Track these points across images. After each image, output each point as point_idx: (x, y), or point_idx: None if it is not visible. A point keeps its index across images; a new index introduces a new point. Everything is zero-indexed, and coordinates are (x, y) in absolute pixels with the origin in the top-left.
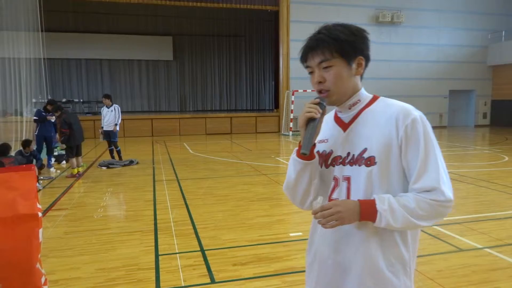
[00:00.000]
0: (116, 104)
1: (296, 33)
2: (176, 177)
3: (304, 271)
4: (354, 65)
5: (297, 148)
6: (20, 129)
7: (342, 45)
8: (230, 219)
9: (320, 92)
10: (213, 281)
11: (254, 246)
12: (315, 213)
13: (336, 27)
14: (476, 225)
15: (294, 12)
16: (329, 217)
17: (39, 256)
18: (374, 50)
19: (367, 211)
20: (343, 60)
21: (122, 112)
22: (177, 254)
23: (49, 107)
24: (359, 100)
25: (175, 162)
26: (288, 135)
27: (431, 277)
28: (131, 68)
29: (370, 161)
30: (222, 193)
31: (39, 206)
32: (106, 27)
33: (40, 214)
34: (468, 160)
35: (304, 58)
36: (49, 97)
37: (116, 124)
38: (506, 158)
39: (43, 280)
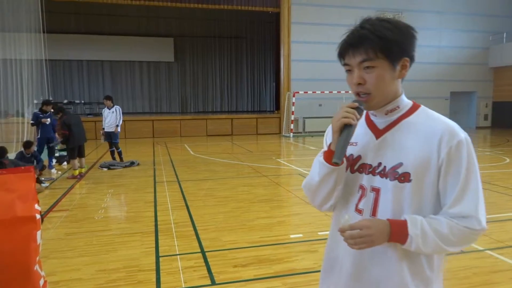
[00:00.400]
0: (117, 105)
1: (297, 35)
2: (177, 178)
3: (305, 273)
4: (398, 67)
5: (324, 149)
6: (22, 130)
7: (388, 44)
8: (231, 221)
9: (357, 94)
10: (213, 282)
11: (255, 248)
12: (342, 231)
13: (382, 23)
14: None
15: (295, 14)
16: (358, 239)
17: (37, 258)
18: None
19: (397, 234)
20: (387, 61)
21: (123, 113)
22: (178, 256)
23: (45, 108)
24: (398, 107)
25: (176, 163)
26: (289, 136)
27: None
28: (132, 70)
29: (404, 177)
30: (223, 194)
31: (38, 208)
32: (108, 29)
33: (38, 216)
34: None
35: (342, 54)
36: (50, 98)
37: (117, 126)
38: (508, 160)
39: (41, 282)
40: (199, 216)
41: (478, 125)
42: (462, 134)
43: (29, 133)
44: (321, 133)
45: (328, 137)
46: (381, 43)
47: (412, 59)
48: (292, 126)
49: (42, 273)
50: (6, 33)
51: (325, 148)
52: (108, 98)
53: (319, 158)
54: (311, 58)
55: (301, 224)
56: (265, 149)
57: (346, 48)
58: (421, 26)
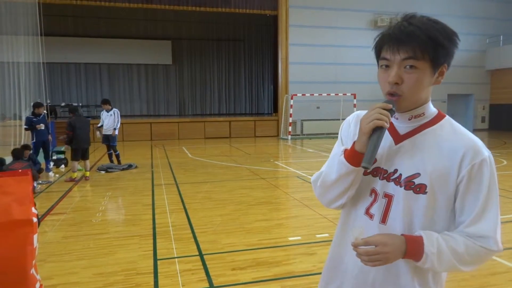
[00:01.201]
0: (115, 108)
1: (295, 37)
2: (175, 181)
3: (303, 276)
4: (437, 73)
5: (345, 148)
6: (19, 133)
7: (436, 47)
8: (229, 223)
9: (390, 94)
10: (211, 285)
11: (253, 251)
12: (356, 245)
13: (431, 23)
14: None
15: (293, 17)
16: (374, 256)
17: (33, 262)
18: (372, 54)
19: (413, 251)
20: (430, 65)
21: (121, 116)
22: (176, 259)
23: (36, 111)
24: (423, 114)
25: (173, 166)
26: (287, 139)
27: None
28: (130, 72)
29: (420, 188)
30: (221, 197)
31: (34, 211)
32: (105, 32)
33: (35, 219)
34: None
35: (382, 47)
36: (48, 101)
37: (115, 129)
38: (505, 162)
39: (37, 286)
40: (197, 218)
41: (475, 127)
42: (486, 153)
43: (26, 136)
44: (319, 135)
45: (344, 134)
46: (430, 44)
47: (449, 67)
48: (290, 128)
49: (38, 277)
50: (3, 36)
51: (343, 146)
52: (106, 102)
53: (340, 157)
54: (309, 60)
55: (300, 226)
56: (263, 151)
57: (391, 43)
58: None
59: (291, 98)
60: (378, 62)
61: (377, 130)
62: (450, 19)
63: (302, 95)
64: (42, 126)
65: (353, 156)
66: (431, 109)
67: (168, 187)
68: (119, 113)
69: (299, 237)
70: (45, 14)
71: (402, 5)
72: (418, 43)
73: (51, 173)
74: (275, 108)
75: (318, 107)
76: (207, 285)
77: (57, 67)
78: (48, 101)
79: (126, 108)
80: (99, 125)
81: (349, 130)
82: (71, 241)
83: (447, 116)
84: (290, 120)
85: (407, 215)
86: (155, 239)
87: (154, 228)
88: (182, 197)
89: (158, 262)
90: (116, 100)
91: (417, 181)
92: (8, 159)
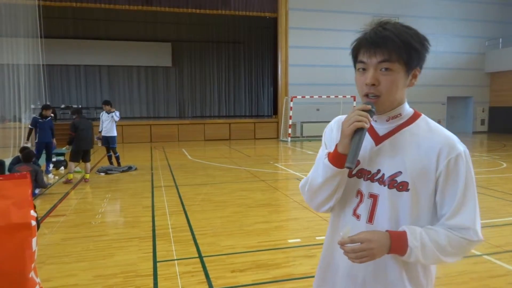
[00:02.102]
0: (116, 110)
1: (294, 40)
2: (175, 183)
3: (302, 278)
4: (410, 76)
5: (328, 151)
6: (19, 135)
7: (410, 51)
8: (229, 226)
9: (366, 95)
10: (211, 287)
11: (253, 253)
12: (342, 244)
13: (404, 29)
14: None
15: (293, 19)
16: (360, 253)
17: (32, 265)
18: None
19: (398, 246)
20: (404, 67)
21: (120, 117)
22: (175, 261)
23: (44, 113)
24: (400, 114)
25: (173, 168)
26: (287, 141)
27: None
28: (130, 74)
29: (402, 186)
30: (221, 199)
31: (34, 214)
32: (105, 34)
33: (34, 222)
34: None
35: (359, 51)
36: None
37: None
38: (504, 165)
39: None
40: (196, 221)
41: (475, 130)
42: (461, 148)
43: (25, 138)
44: (319, 137)
45: (327, 138)
46: (404, 48)
47: (421, 70)
48: (289, 130)
49: (38, 280)
50: (3, 38)
51: (327, 150)
52: (107, 103)
53: (324, 160)
54: (309, 63)
55: (299, 229)
56: (263, 153)
57: (367, 47)
58: None
59: (291, 100)
60: (355, 66)
61: (358, 131)
62: (450, 21)
63: (302, 97)
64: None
65: (337, 159)
66: (407, 110)
67: (168, 189)
68: (119, 114)
69: (298, 239)
70: (45, 16)
71: (401, 7)
72: (393, 47)
73: (50, 175)
74: (275, 110)
75: (317, 109)
76: (206, 287)
77: (57, 69)
78: (48, 103)
79: (126, 110)
80: (99, 129)
81: (332, 134)
82: (70, 243)
83: (422, 115)
84: (290, 122)
85: (392, 213)
86: (154, 241)
87: (153, 230)
88: (182, 199)
89: (158, 264)
90: (116, 102)
91: (399, 179)
92: (8, 160)
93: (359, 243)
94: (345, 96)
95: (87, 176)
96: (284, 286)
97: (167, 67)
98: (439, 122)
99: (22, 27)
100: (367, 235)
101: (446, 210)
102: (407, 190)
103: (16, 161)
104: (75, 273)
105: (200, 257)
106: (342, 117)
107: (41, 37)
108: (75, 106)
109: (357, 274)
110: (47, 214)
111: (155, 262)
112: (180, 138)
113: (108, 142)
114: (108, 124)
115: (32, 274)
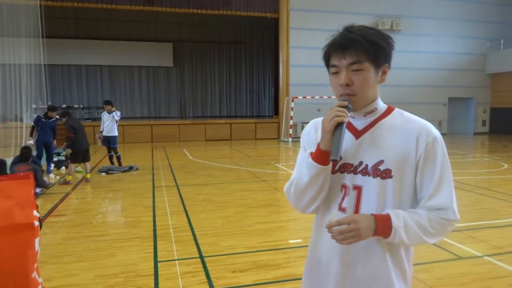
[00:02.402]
0: (117, 110)
1: (296, 40)
2: (176, 183)
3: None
4: (380, 72)
5: (311, 151)
6: (20, 134)
7: (376, 49)
8: (230, 226)
9: (342, 96)
10: None
11: (253, 253)
12: (330, 227)
13: (368, 30)
14: (475, 233)
15: (294, 19)
16: (347, 233)
17: (35, 265)
18: None
19: (382, 227)
20: (373, 65)
21: (122, 117)
22: (176, 261)
23: (50, 114)
24: (375, 109)
25: (174, 168)
26: (288, 141)
27: (431, 285)
28: (131, 74)
29: (386, 174)
30: (222, 199)
31: (36, 214)
32: (107, 34)
33: (36, 223)
34: (467, 168)
35: (330, 56)
36: (49, 103)
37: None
38: (506, 166)
39: None
40: (197, 221)
41: (476, 131)
42: (436, 132)
43: (27, 137)
44: None
45: (305, 141)
46: (370, 47)
47: (390, 66)
48: (290, 131)
49: (40, 280)
50: (5, 38)
51: (309, 150)
52: (108, 102)
53: (308, 160)
54: (310, 63)
55: (300, 229)
56: (264, 154)
57: (336, 50)
58: (419, 32)
59: (292, 101)
60: (328, 70)
61: (338, 126)
62: (451, 22)
63: (303, 97)
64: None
65: (320, 156)
66: (381, 104)
67: (169, 189)
68: (120, 113)
69: (299, 240)
70: (47, 16)
71: (403, 8)
72: (360, 47)
73: (51, 175)
74: (276, 111)
75: (319, 110)
76: (207, 287)
77: (58, 69)
78: (49, 103)
79: (127, 110)
80: (100, 129)
81: (310, 136)
82: (71, 243)
83: (396, 108)
84: (291, 122)
85: (378, 201)
86: (155, 241)
87: (154, 230)
88: (183, 199)
89: (159, 264)
90: (117, 102)
91: (382, 167)
92: (9, 160)
93: (347, 225)
94: None
95: (88, 176)
96: (285, 286)
97: (168, 67)
98: (439, 123)
99: (23, 27)
100: (354, 217)
101: (425, 192)
102: (391, 177)
103: (17, 161)
104: (76, 273)
105: (201, 257)
106: (317, 120)
107: (42, 37)
108: (76, 106)
109: (343, 260)
110: (48, 214)
111: (156, 262)
112: (181, 138)
113: (109, 142)
114: (109, 124)
115: (34, 274)
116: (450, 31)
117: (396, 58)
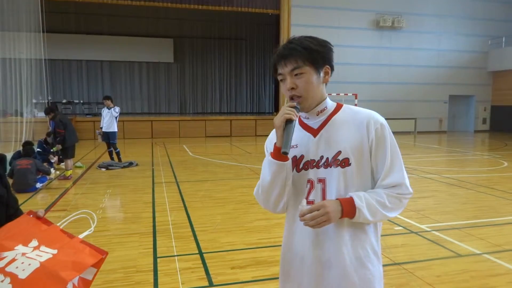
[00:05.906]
0: (117, 106)
1: None
2: (175, 179)
3: None
4: (322, 73)
5: (270, 151)
6: (20, 129)
7: (312, 54)
8: (229, 222)
9: (291, 98)
10: (211, 284)
11: (253, 250)
12: (302, 215)
13: (305, 38)
14: (475, 230)
15: (295, 16)
16: (319, 218)
17: None
18: (374, 55)
19: (348, 209)
20: (313, 68)
21: (122, 113)
22: (176, 257)
23: (48, 140)
24: (326, 108)
25: (174, 164)
26: None
27: (430, 282)
28: (131, 70)
29: (345, 163)
30: (221, 196)
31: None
32: (107, 29)
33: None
34: (467, 166)
35: (276, 66)
36: (49, 98)
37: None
38: (506, 164)
39: None
40: (197, 217)
41: (477, 128)
42: (382, 119)
43: (27, 132)
44: None
45: (269, 147)
46: (307, 53)
47: (332, 67)
48: None
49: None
50: (5, 32)
51: (270, 151)
52: (108, 98)
53: (268, 158)
54: None
55: None
56: (264, 150)
57: (279, 60)
58: (420, 30)
59: None
60: (277, 78)
61: (288, 123)
62: (453, 20)
63: None
64: (53, 159)
65: (278, 153)
66: (330, 103)
67: (169, 185)
68: (119, 109)
69: None
70: (47, 11)
71: (405, 5)
72: (297, 54)
73: (52, 170)
74: (276, 107)
75: None
76: (206, 283)
77: (58, 64)
78: (50, 98)
79: (127, 106)
80: (100, 125)
81: (272, 143)
82: None
83: (344, 105)
84: None
85: (341, 188)
86: (155, 237)
87: (154, 226)
88: (183, 195)
89: (158, 260)
90: (118, 97)
91: (340, 157)
92: (9, 155)
93: (317, 211)
94: (347, 94)
95: (68, 173)
96: None
97: (169, 63)
98: (440, 121)
99: (24, 21)
100: (322, 203)
101: (380, 172)
102: (350, 164)
103: (17, 156)
104: None
105: (200, 253)
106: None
107: (43, 31)
108: (76, 101)
109: (315, 247)
110: (48, 209)
111: (155, 258)
112: (181, 134)
113: (108, 138)
114: (108, 119)
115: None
116: (451, 28)
117: (397, 56)
